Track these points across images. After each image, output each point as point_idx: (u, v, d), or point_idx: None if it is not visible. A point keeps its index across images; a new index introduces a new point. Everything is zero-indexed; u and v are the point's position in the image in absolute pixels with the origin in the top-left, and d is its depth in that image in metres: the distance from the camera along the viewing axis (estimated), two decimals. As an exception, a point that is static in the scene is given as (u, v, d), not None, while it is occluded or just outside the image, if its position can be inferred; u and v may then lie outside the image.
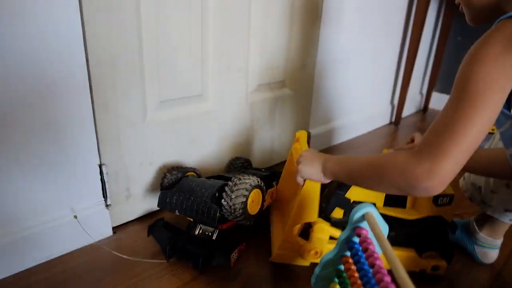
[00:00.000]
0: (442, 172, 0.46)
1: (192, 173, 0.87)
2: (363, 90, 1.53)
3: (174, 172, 0.83)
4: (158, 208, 0.82)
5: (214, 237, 0.77)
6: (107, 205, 0.82)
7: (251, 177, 0.75)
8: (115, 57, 0.74)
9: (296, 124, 1.26)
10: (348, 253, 0.53)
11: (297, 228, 0.72)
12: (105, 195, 0.81)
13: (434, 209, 0.74)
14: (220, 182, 0.77)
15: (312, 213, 0.69)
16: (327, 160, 0.65)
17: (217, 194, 0.74)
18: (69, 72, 0.68)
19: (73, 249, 0.78)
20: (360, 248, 0.50)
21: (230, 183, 0.73)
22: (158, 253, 0.78)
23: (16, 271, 0.71)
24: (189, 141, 0.95)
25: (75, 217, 0.75)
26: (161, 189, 0.82)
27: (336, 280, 0.56)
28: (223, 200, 0.72)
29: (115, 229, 0.86)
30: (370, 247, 0.48)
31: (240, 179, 0.73)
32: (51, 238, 0.74)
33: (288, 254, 0.74)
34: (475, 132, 0.46)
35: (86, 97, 0.72)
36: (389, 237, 0.48)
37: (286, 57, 1.13)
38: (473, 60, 0.47)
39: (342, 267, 0.55)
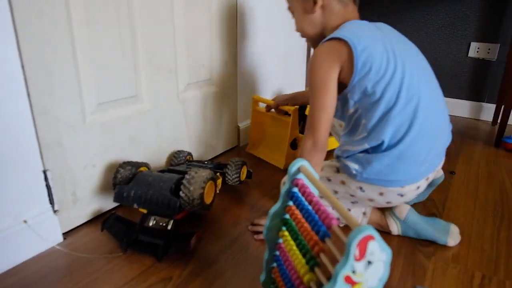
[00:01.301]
0: (320, 140, 0.78)
1: (145, 167, 0.91)
2: (281, 86, 1.69)
3: (127, 167, 0.87)
4: (116, 203, 0.87)
5: (169, 227, 0.80)
6: (54, 211, 0.83)
7: (206, 170, 0.82)
8: (50, 62, 0.77)
9: (226, 119, 1.35)
10: (291, 203, 0.64)
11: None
12: (51, 201, 0.82)
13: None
14: (176, 176, 0.83)
15: (297, 131, 1.26)
16: None
17: (174, 187, 0.80)
18: (5, 79, 0.69)
19: (27, 258, 0.78)
20: (299, 194, 0.60)
21: (187, 176, 0.79)
22: (114, 248, 0.81)
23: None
24: (129, 140, 0.98)
25: (25, 221, 0.75)
26: (114, 184, 0.85)
27: (284, 228, 0.66)
28: (181, 192, 0.77)
29: (66, 234, 0.86)
30: (307, 190, 0.58)
31: (196, 172, 0.80)
32: (1, 250, 0.73)
33: (290, 161, 1.02)
34: (324, 113, 0.77)
35: (24, 103, 0.73)
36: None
37: (210, 56, 1.22)
38: (311, 69, 0.79)
39: (287, 216, 0.65)
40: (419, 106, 0.75)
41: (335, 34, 0.78)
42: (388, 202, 0.81)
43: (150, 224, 0.82)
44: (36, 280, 0.72)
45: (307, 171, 0.60)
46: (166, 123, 1.10)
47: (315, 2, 0.83)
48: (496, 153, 1.43)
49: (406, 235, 0.86)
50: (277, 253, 0.67)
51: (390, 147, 0.76)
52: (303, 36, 0.91)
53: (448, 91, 1.95)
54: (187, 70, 1.14)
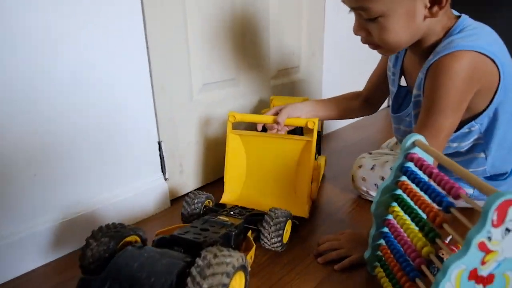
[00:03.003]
0: None
1: (133, 236, 0.57)
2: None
3: (103, 240, 0.53)
4: (204, 184, 0.84)
5: None
6: (165, 179, 0.91)
7: (231, 252, 0.49)
8: (168, 47, 0.84)
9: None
10: (403, 178, 0.63)
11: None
12: (163, 170, 0.90)
13: None
14: (179, 261, 0.50)
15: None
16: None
17: (174, 283, 0.47)
18: (133, 61, 0.78)
19: (138, 221, 0.86)
20: (417, 168, 0.60)
21: (200, 262, 0.46)
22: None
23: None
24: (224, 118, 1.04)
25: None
26: (81, 269, 0.53)
27: (394, 204, 0.66)
28: None
29: (172, 202, 0.94)
30: (425, 162, 0.58)
31: (216, 255, 0.47)
32: (119, 211, 0.82)
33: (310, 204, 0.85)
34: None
35: (147, 82, 0.81)
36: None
37: (299, 45, 1.25)
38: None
39: (398, 191, 0.65)
40: None
41: (475, 44, 0.64)
42: None
43: None
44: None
45: (424, 145, 0.60)
46: (257, 104, 1.14)
47: (440, 2, 0.64)
48: None
49: None
50: (386, 229, 0.67)
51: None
52: (386, 49, 0.71)
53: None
54: (278, 58, 1.18)
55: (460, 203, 0.50)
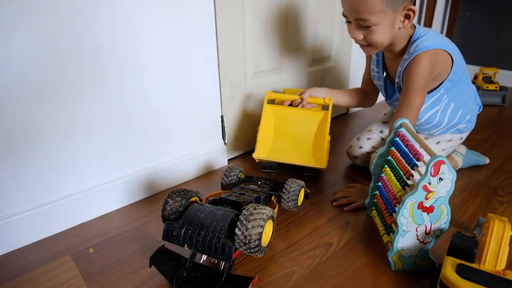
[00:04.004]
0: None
1: (196, 197, 0.81)
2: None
3: (177, 199, 0.77)
4: (252, 149, 1.14)
5: (221, 267, 0.76)
6: (225, 143, 1.24)
7: (265, 207, 0.72)
8: (231, 43, 1.14)
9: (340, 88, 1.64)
10: (393, 148, 0.92)
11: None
12: (224, 137, 1.23)
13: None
14: (230, 213, 0.73)
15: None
16: None
17: (228, 228, 0.71)
18: (206, 56, 1.09)
19: (204, 173, 1.21)
20: (401, 141, 0.88)
21: (245, 211, 0.70)
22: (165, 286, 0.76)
23: (156, 192, 1.14)
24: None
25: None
26: (163, 218, 0.78)
27: (386, 166, 0.95)
28: (237, 230, 0.68)
29: (229, 161, 1.28)
30: (406, 138, 0.86)
31: (255, 208, 0.71)
32: (188, 167, 1.16)
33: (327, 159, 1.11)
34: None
35: (215, 71, 1.13)
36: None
37: (331, 36, 1.51)
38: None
39: (389, 157, 0.94)
40: None
41: (429, 45, 0.94)
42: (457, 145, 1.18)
43: (201, 260, 0.77)
44: (216, 182, 1.14)
45: (408, 126, 0.88)
46: (296, 88, 1.43)
47: (409, 16, 0.91)
48: None
49: (463, 167, 1.19)
50: (379, 184, 0.97)
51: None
52: (373, 47, 0.96)
53: None
54: (313, 48, 1.45)
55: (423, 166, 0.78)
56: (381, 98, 1.26)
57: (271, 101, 1.20)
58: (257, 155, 1.13)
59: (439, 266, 0.72)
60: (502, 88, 1.85)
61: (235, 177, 1.00)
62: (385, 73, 1.13)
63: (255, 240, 0.68)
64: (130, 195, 1.04)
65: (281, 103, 1.17)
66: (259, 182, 0.98)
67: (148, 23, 0.93)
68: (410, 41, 0.98)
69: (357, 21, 0.92)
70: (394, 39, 0.97)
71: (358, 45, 1.01)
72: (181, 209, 0.77)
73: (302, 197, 0.98)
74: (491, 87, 1.84)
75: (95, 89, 0.90)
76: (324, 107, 1.16)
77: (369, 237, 0.91)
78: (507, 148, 1.36)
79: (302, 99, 1.13)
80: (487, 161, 1.24)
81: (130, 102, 0.96)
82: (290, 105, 1.16)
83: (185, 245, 0.71)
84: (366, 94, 1.24)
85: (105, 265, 0.83)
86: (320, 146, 1.11)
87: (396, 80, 1.04)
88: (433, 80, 1.00)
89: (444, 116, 1.08)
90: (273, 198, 0.95)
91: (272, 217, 0.73)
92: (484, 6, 2.11)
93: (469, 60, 2.04)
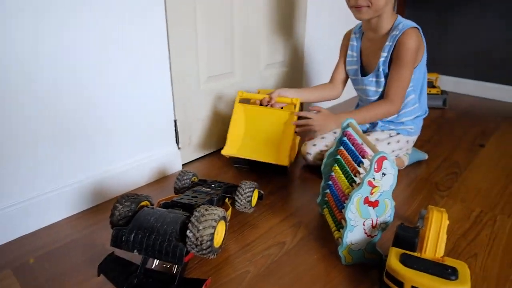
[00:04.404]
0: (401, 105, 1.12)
1: (146, 202, 0.79)
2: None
3: (126, 204, 0.75)
4: (206, 154, 1.18)
5: (174, 271, 0.75)
6: (178, 148, 1.23)
7: (217, 209, 0.71)
8: (183, 49, 1.14)
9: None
10: (341, 147, 0.96)
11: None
12: (177, 141, 1.22)
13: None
14: (181, 215, 0.72)
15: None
16: (339, 118, 1.13)
17: (179, 230, 0.69)
18: (159, 61, 1.08)
19: (157, 179, 1.19)
20: (348, 140, 0.92)
21: (196, 213, 0.69)
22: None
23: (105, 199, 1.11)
24: (225, 103, 1.36)
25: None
26: (111, 224, 0.74)
27: (335, 165, 0.98)
28: (188, 232, 0.67)
29: (183, 166, 1.26)
30: (352, 137, 0.90)
31: (207, 209, 0.70)
32: (140, 173, 1.14)
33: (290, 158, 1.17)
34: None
35: (167, 75, 1.12)
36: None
37: (284, 43, 1.55)
38: (413, 46, 1.08)
39: (338, 156, 0.97)
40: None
41: (412, 24, 1.09)
42: (406, 148, 1.25)
43: (153, 266, 0.76)
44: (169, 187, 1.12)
45: (354, 126, 0.92)
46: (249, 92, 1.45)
47: None
48: (532, 134, 1.60)
49: (408, 164, 1.27)
50: (330, 182, 1.00)
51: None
52: (371, 8, 1.06)
53: (497, 77, 2.09)
54: (266, 53, 1.48)
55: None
56: (333, 102, 1.30)
57: (243, 100, 1.23)
58: (226, 151, 1.18)
59: (386, 257, 0.75)
60: (443, 92, 1.98)
61: (188, 180, 0.98)
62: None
63: (207, 241, 0.66)
64: (78, 204, 1.00)
65: (253, 102, 1.23)
66: (213, 185, 0.97)
67: (96, 27, 0.91)
68: (393, 25, 1.11)
69: None
70: (383, 12, 1.08)
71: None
72: (130, 214, 0.74)
73: (256, 198, 0.98)
74: (433, 91, 1.96)
75: (35, 94, 0.85)
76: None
77: (321, 234, 0.93)
78: (447, 147, 1.45)
79: (271, 98, 1.18)
80: (426, 156, 1.34)
81: (76, 108, 0.93)
82: (262, 104, 1.21)
83: (135, 251, 0.69)
84: (333, 86, 1.31)
85: (50, 277, 0.79)
86: (285, 144, 1.16)
87: (383, 54, 1.11)
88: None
89: (406, 99, 1.17)
90: (227, 200, 0.95)
91: (224, 218, 0.73)
92: (426, 16, 2.26)
93: (413, 66, 2.16)
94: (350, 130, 0.93)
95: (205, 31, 1.20)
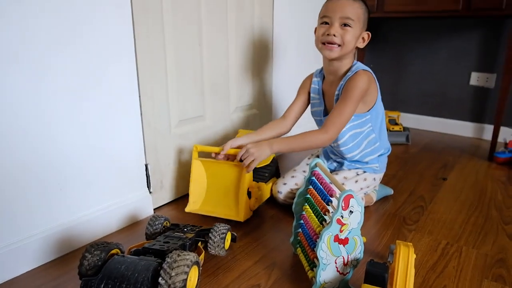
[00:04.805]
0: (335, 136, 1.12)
1: (116, 250, 0.79)
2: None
3: (96, 253, 0.74)
4: (178, 197, 1.15)
5: None
6: (150, 192, 1.22)
7: (189, 253, 0.71)
8: (153, 92, 1.17)
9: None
10: (310, 186, 0.98)
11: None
12: (149, 186, 1.21)
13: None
14: (153, 262, 0.72)
15: (250, 178, 1.16)
16: (272, 143, 1.11)
17: (151, 277, 0.69)
18: (129, 104, 1.10)
19: (128, 224, 1.16)
20: (316, 180, 0.95)
21: (168, 259, 0.69)
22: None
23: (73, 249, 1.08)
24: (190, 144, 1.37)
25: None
26: (79, 275, 0.73)
27: (306, 204, 1.00)
28: (160, 279, 0.67)
29: (154, 210, 1.24)
30: (321, 176, 0.93)
31: (179, 255, 0.70)
32: (109, 219, 1.12)
33: (246, 212, 1.15)
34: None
35: (137, 119, 1.13)
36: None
37: (252, 86, 1.61)
38: (359, 83, 1.13)
39: (308, 195, 0.99)
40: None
41: (366, 68, 1.17)
42: (373, 186, 1.29)
43: None
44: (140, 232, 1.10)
45: (322, 165, 0.95)
46: (220, 135, 1.48)
47: (365, 39, 1.17)
48: (488, 166, 1.71)
49: (377, 199, 1.32)
50: (301, 221, 1.02)
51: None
52: (339, 45, 1.11)
53: (455, 113, 2.24)
54: (236, 96, 1.53)
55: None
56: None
57: (201, 154, 1.21)
58: (189, 208, 1.19)
59: (359, 295, 0.76)
60: (406, 128, 2.09)
61: (160, 225, 0.97)
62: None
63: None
64: (42, 255, 0.96)
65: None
66: (185, 229, 0.96)
67: (68, 73, 0.92)
68: (351, 67, 1.18)
69: (342, 19, 1.11)
70: (349, 52, 1.15)
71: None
72: (100, 263, 0.73)
73: (229, 241, 0.98)
74: (396, 128, 2.07)
75: None
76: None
77: (295, 274, 0.93)
78: (412, 181, 1.52)
79: (222, 150, 1.15)
80: (392, 191, 1.40)
81: (43, 153, 0.92)
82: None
83: None
84: (285, 121, 1.31)
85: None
86: (241, 199, 1.15)
87: (336, 92, 1.19)
88: (363, 103, 1.16)
89: (363, 141, 1.23)
90: (199, 244, 0.94)
91: (197, 263, 0.73)
92: (385, 59, 2.42)
93: (376, 105, 2.29)
94: (318, 169, 0.97)
95: (175, 75, 1.23)
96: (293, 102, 1.34)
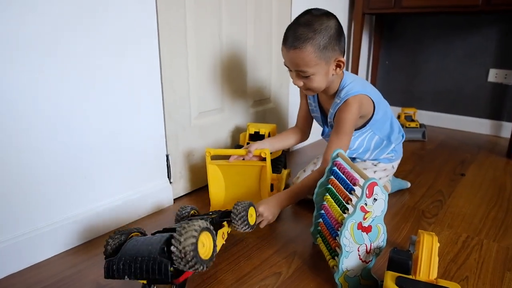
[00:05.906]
0: None
1: (137, 233, 0.81)
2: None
3: (117, 237, 0.77)
4: (197, 188, 1.16)
5: None
6: (170, 183, 1.23)
7: (199, 220, 0.71)
8: (175, 86, 1.18)
9: (279, 128, 1.73)
10: (332, 177, 0.99)
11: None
12: (169, 176, 1.23)
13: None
14: (166, 234, 0.73)
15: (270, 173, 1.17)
16: (282, 202, 1.06)
17: (165, 248, 0.69)
18: (154, 99, 1.11)
19: (149, 213, 1.18)
20: (338, 170, 0.96)
21: (178, 228, 0.68)
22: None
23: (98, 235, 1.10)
24: (214, 140, 1.39)
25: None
26: (105, 258, 0.75)
27: (327, 194, 1.01)
28: (172, 247, 0.67)
29: (174, 200, 1.26)
30: (342, 166, 0.94)
31: (187, 223, 0.70)
32: (132, 207, 1.14)
33: None
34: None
35: (160, 112, 1.15)
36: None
37: (269, 80, 1.62)
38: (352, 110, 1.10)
39: (329, 186, 1.00)
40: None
41: (353, 92, 1.09)
42: (392, 173, 1.31)
43: None
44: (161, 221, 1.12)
45: (343, 155, 0.96)
46: (238, 127, 1.49)
47: (340, 65, 1.07)
48: (507, 163, 1.69)
49: (391, 192, 1.33)
50: (322, 211, 1.02)
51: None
52: (312, 91, 1.10)
53: (471, 111, 2.22)
54: (254, 91, 1.54)
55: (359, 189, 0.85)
56: (319, 134, 1.35)
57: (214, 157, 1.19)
58: (213, 208, 1.19)
59: (381, 283, 0.76)
60: (422, 125, 2.07)
61: (186, 214, 0.98)
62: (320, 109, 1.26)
63: (190, 252, 0.65)
64: (70, 240, 0.98)
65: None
66: (210, 213, 0.95)
67: (90, 62, 0.95)
68: (340, 85, 1.14)
69: (299, 72, 1.06)
70: (329, 83, 1.12)
71: (294, 88, 1.10)
72: (120, 244, 0.76)
73: (254, 216, 0.96)
74: (412, 124, 2.06)
75: (27, 130, 0.87)
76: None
77: (316, 263, 0.94)
78: (430, 177, 1.51)
79: (249, 152, 1.15)
80: (409, 185, 1.39)
81: (68, 144, 0.94)
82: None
83: (126, 277, 0.69)
84: (300, 130, 1.34)
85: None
86: (263, 191, 1.18)
87: (328, 120, 1.18)
88: (360, 118, 1.15)
89: (371, 143, 1.23)
90: (225, 223, 0.92)
91: (207, 229, 0.72)
92: (400, 56, 2.41)
93: (391, 102, 2.28)
94: (339, 159, 0.97)
95: (196, 68, 1.25)
96: (299, 109, 1.35)
